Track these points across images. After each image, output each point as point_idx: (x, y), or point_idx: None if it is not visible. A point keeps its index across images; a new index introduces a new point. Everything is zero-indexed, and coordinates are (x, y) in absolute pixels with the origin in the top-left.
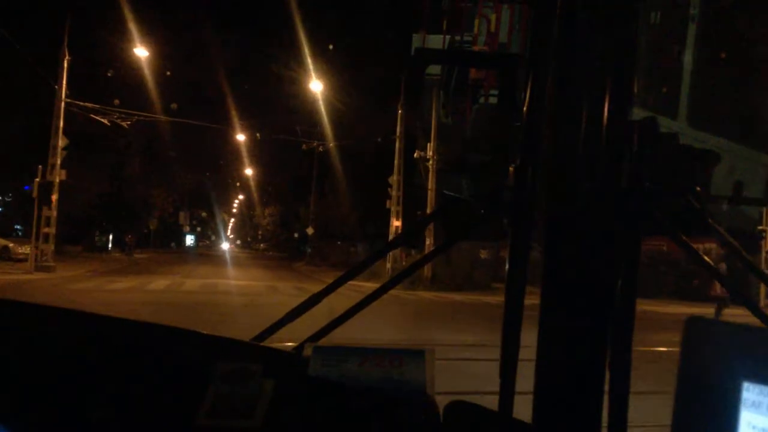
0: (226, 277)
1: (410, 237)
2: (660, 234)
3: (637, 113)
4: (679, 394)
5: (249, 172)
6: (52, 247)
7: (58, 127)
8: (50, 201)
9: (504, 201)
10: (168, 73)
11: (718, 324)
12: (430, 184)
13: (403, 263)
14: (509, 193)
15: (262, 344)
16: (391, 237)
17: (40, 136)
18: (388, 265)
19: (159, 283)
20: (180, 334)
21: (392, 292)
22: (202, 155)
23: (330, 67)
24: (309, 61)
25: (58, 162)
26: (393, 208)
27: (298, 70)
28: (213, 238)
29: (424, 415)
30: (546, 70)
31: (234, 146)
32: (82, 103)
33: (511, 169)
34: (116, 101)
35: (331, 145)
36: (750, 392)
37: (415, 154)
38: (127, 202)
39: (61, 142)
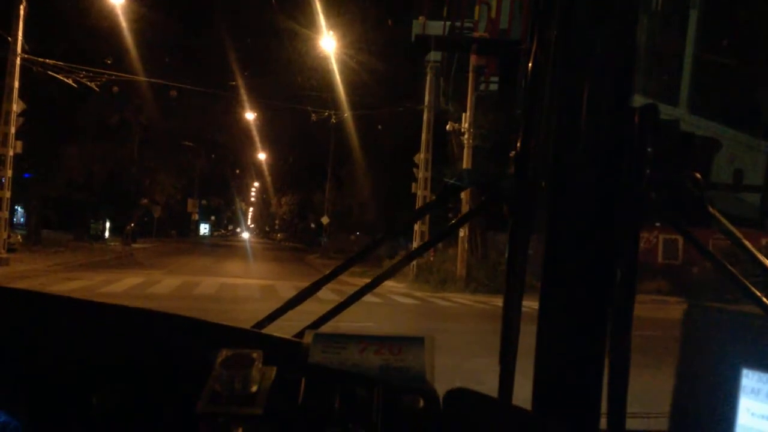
0: (218, 273)
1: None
2: (660, 222)
3: (638, 100)
4: (678, 380)
5: (262, 156)
6: (5, 234)
7: (12, 88)
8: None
9: (504, 189)
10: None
11: (718, 312)
12: (465, 162)
13: (431, 258)
14: (510, 181)
15: (262, 331)
16: (417, 226)
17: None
18: (413, 261)
19: (127, 281)
20: (180, 321)
21: (422, 296)
22: (209, 136)
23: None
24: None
25: (12, 131)
26: (419, 193)
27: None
28: (230, 227)
29: (424, 402)
30: (546, 57)
31: (244, 125)
32: (42, 60)
33: (511, 156)
34: (108, 60)
35: (345, 114)
36: (749, 379)
37: (448, 127)
38: (122, 186)
39: (16, 106)
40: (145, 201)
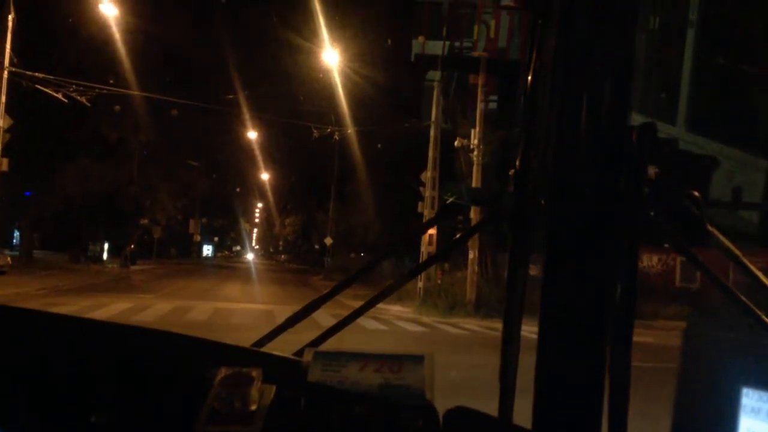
0: (214, 298)
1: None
2: (659, 240)
3: (636, 119)
4: (678, 399)
5: (265, 177)
6: None
7: None
8: None
9: (504, 206)
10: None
11: (718, 331)
12: (475, 180)
13: (438, 281)
14: (509, 199)
15: (261, 350)
16: (424, 247)
17: None
18: (420, 284)
19: (115, 306)
20: (179, 340)
21: (429, 322)
22: (210, 155)
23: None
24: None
25: None
26: (426, 212)
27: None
28: (234, 248)
29: (424, 421)
30: (545, 75)
31: (245, 143)
32: (30, 73)
33: (510, 173)
34: (111, 81)
35: (348, 131)
36: (749, 398)
37: (456, 143)
38: (120, 205)
39: (3, 121)
40: (144, 221)
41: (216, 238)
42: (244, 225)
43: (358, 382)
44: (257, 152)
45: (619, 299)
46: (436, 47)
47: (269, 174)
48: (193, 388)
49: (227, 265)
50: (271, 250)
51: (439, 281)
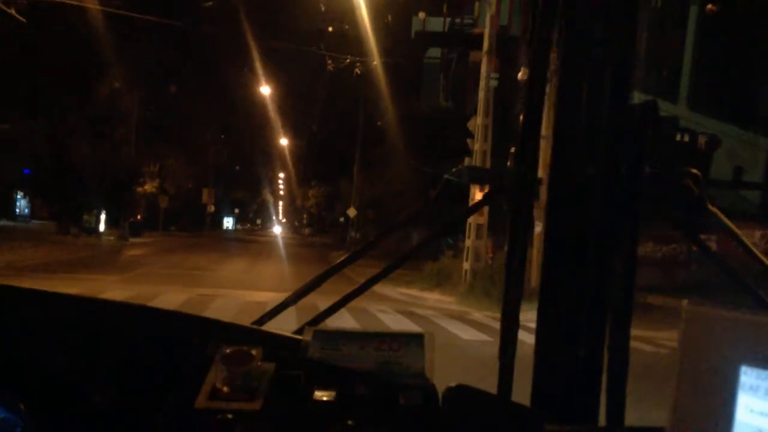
0: (200, 282)
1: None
2: (659, 218)
3: (638, 97)
4: (679, 378)
5: (284, 142)
6: None
7: None
8: None
9: (505, 184)
10: None
11: (717, 309)
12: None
13: (489, 262)
14: (510, 177)
15: (262, 328)
16: (472, 219)
17: None
18: (466, 265)
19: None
20: (181, 318)
21: (480, 320)
22: (223, 118)
23: None
24: None
25: None
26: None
27: None
28: (258, 221)
29: (423, 399)
30: (547, 54)
31: (261, 100)
32: None
33: (511, 151)
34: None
35: (374, 63)
36: (748, 376)
37: (520, 75)
38: (115, 171)
39: None
40: (145, 187)
41: (236, 210)
42: (266, 196)
43: (358, 360)
44: (274, 112)
45: (619, 276)
46: (438, 24)
47: (289, 138)
48: (194, 366)
49: (245, 238)
50: (296, 223)
51: (490, 262)
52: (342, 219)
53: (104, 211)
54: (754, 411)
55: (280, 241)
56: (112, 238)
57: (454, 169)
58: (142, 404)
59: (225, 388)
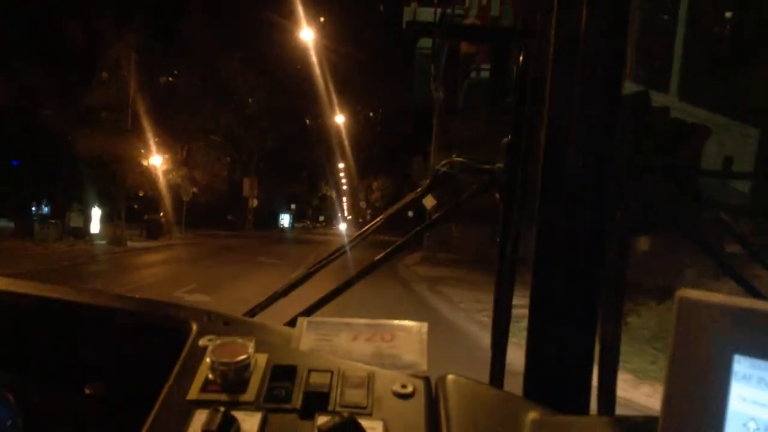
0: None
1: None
2: (651, 211)
3: (629, 87)
4: (670, 367)
5: (340, 119)
6: None
7: None
8: None
9: (496, 176)
10: None
11: (709, 297)
12: None
13: None
14: (501, 170)
15: (254, 319)
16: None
17: None
18: None
19: None
20: (171, 308)
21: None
22: (265, 97)
23: None
24: None
25: None
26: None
27: None
28: (321, 218)
29: (416, 388)
30: (538, 44)
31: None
32: None
33: (502, 144)
34: None
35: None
36: (741, 365)
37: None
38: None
39: None
40: (168, 177)
41: (293, 206)
42: (326, 190)
43: (351, 350)
44: (327, 84)
45: (611, 267)
46: (429, 14)
47: (345, 115)
48: (186, 358)
49: (301, 238)
50: (360, 220)
51: None
52: (410, 214)
53: (99, 208)
54: (747, 400)
55: (338, 241)
56: (104, 242)
57: (444, 161)
58: (134, 398)
59: (217, 380)
